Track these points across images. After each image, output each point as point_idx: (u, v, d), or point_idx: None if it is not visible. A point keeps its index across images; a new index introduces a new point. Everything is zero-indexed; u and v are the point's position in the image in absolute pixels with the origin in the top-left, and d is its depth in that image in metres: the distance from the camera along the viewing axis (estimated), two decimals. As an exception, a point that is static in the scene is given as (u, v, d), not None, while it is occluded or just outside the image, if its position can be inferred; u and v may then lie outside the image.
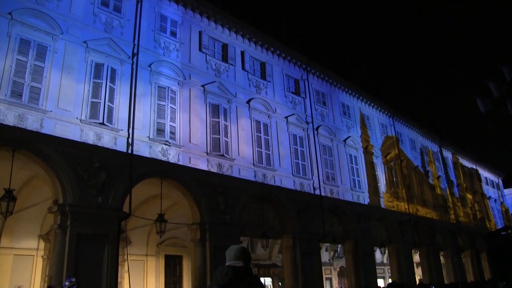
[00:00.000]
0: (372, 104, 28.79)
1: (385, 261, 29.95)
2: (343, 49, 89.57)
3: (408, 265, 25.86)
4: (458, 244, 33.04)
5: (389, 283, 16.58)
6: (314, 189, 21.01)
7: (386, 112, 30.13)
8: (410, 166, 30.57)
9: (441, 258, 31.21)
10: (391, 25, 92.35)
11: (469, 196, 38.86)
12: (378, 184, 26.06)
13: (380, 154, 27.64)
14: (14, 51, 12.39)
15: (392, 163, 28.15)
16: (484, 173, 45.32)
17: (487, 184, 45.12)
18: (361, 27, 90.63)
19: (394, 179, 27.98)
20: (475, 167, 43.23)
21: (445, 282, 28.16)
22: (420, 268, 29.85)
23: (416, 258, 29.26)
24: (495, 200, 44.25)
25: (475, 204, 39.18)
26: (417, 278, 28.43)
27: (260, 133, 19.40)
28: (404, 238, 26.06)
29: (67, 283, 8.66)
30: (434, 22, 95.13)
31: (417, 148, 33.33)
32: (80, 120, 13.23)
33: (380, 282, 29.22)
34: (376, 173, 26.39)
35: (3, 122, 11.57)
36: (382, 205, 25.50)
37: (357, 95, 27.42)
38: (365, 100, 28.09)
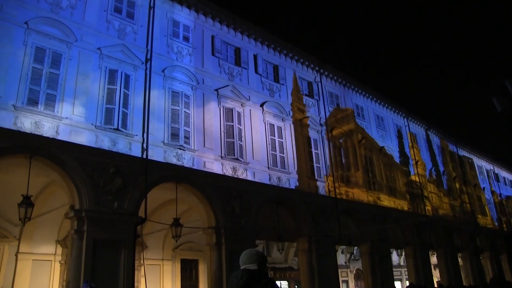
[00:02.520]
0: (386, 105, 28.59)
1: (402, 263, 29.70)
2: (356, 50, 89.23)
3: (425, 267, 25.59)
4: (476, 245, 32.57)
5: (408, 286, 16.40)
6: (329, 191, 20.91)
7: (400, 112, 29.91)
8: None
9: (459, 259, 30.80)
10: (404, 25, 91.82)
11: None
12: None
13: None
14: (30, 59, 12.56)
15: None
16: (502, 173, 44.66)
17: (506, 184, 44.43)
18: (375, 28, 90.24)
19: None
20: (492, 168, 42.56)
21: (464, 284, 27.78)
22: (437, 270, 29.51)
23: (434, 260, 28.93)
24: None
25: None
26: (435, 280, 28.11)
27: (274, 136, 19.38)
28: (421, 239, 25.79)
29: None
30: (449, 21, 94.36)
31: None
32: (95, 126, 13.35)
33: (397, 285, 28.99)
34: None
35: (20, 129, 11.72)
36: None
37: (371, 96, 27.27)
38: (379, 101, 27.92)
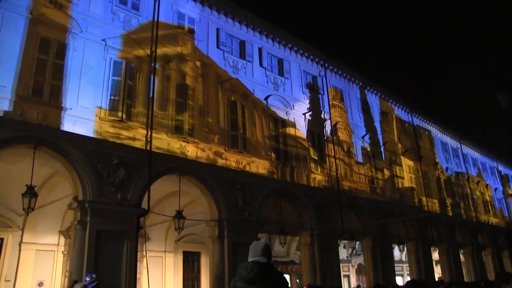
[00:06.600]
0: (391, 100, 28.59)
1: (403, 258, 29.70)
2: (361, 45, 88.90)
3: (427, 263, 25.61)
4: (478, 241, 32.56)
5: (409, 281, 16.42)
6: (332, 185, 20.89)
7: (405, 108, 29.90)
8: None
9: (461, 256, 30.81)
10: (409, 19, 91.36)
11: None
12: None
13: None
14: (35, 50, 12.56)
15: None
16: (506, 170, 44.56)
17: (509, 181, 44.32)
18: (380, 21, 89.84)
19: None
20: (496, 165, 42.38)
21: (465, 280, 27.79)
22: (439, 266, 29.54)
23: (435, 255, 28.95)
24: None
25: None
26: (436, 276, 28.14)
27: (278, 130, 19.37)
28: (423, 235, 25.80)
29: (87, 279, 8.75)
30: (455, 16, 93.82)
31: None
32: (99, 117, 13.35)
33: (399, 280, 29.00)
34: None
35: (24, 120, 11.73)
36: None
37: (375, 91, 27.22)
38: (383, 95, 27.88)
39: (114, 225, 12.73)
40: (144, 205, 13.66)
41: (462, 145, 36.97)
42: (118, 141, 13.52)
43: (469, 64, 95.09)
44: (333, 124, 22.70)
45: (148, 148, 14.06)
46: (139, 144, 14.06)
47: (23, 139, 11.75)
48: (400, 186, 26.66)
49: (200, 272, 21.23)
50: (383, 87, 27.89)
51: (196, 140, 15.84)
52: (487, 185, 38.66)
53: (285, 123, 19.90)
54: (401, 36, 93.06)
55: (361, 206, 22.20)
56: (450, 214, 30.52)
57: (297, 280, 25.87)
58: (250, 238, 13.85)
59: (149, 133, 14.29)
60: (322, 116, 22.16)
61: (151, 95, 14.79)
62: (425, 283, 14.57)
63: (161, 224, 18.46)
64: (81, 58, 13.53)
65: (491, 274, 32.62)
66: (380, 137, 26.18)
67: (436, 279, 25.51)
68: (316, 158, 21.00)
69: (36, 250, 16.23)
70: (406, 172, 27.81)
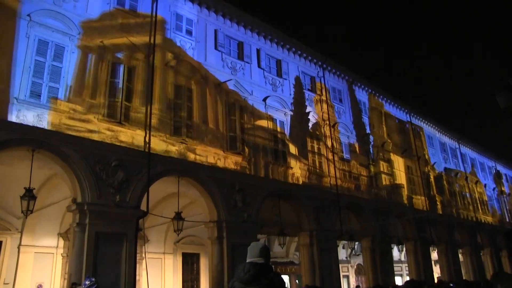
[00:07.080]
0: (389, 101, 28.64)
1: (402, 258, 29.74)
2: (361, 44, 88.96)
3: (426, 263, 25.64)
4: (477, 241, 32.61)
5: (407, 281, 16.42)
6: (331, 186, 20.90)
7: (403, 108, 29.93)
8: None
9: (460, 255, 30.84)
10: (409, 19, 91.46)
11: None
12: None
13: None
14: (33, 52, 12.53)
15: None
16: (504, 170, 44.62)
17: (507, 181, 44.39)
18: (379, 21, 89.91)
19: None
20: (494, 165, 42.43)
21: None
22: (438, 266, 29.57)
23: (434, 255, 28.97)
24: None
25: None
26: (436, 276, 28.16)
27: (277, 131, 19.36)
28: (422, 235, 25.83)
29: (87, 282, 8.77)
30: (455, 17, 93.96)
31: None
32: (97, 119, 13.32)
33: (398, 280, 29.01)
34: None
35: (22, 122, 11.71)
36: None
37: (373, 91, 27.25)
38: (381, 96, 27.91)
39: (113, 227, 12.71)
40: (143, 206, 13.63)
41: (460, 145, 37.02)
42: (116, 143, 13.55)
43: (468, 64, 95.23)
44: (331, 124, 22.63)
45: (146, 150, 14.05)
46: (137, 146, 14.06)
47: (21, 141, 11.73)
48: (397, 185, 26.37)
49: (200, 273, 21.25)
50: (382, 87, 27.95)
51: (195, 142, 15.86)
52: (485, 185, 38.69)
53: (283, 124, 19.90)
54: (401, 36, 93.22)
55: (360, 207, 22.21)
56: (448, 214, 30.56)
57: (297, 280, 25.87)
58: (249, 239, 13.74)
59: (147, 134, 14.27)
60: (320, 116, 22.22)
61: (149, 97, 14.78)
62: (424, 283, 14.59)
63: (160, 225, 18.46)
64: (78, 60, 13.50)
65: (489, 274, 32.61)
66: (377, 137, 26.20)
67: (435, 279, 25.55)
68: (315, 158, 20.96)
69: (35, 252, 16.22)
70: (402, 172, 27.59)
